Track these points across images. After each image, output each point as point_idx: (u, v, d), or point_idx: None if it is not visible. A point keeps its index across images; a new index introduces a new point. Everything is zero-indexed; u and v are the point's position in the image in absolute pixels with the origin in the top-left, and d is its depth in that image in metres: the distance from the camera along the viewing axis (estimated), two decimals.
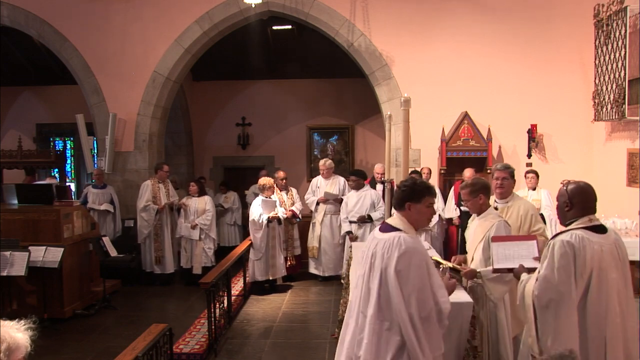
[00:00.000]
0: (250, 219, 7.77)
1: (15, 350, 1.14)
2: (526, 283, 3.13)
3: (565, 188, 3.15)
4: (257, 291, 7.90)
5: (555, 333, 2.90)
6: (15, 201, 7.32)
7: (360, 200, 8.05)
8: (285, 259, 8.21)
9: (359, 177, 8.20)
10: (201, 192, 8.50)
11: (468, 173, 7.61)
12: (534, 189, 7.64)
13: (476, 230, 4.00)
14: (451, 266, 3.89)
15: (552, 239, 3.08)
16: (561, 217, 3.18)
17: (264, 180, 7.87)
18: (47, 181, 9.71)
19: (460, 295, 3.58)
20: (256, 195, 8.30)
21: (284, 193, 8.40)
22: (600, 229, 3.00)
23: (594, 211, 3.06)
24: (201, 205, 8.37)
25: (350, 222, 8.03)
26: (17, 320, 1.22)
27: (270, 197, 7.78)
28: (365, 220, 7.98)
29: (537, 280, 3.00)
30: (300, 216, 8.50)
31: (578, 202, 3.03)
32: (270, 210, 7.69)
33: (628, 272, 3.01)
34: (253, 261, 7.77)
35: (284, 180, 8.47)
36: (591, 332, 2.87)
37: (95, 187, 8.87)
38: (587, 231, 2.94)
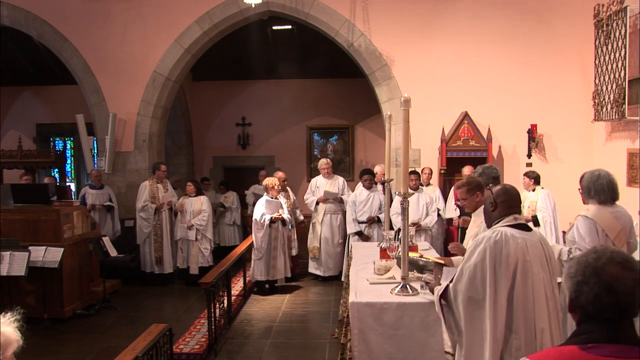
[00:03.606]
0: (253, 218, 7.77)
1: (8, 346, 1.13)
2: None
3: (490, 190, 3.19)
4: (258, 291, 7.91)
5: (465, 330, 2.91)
6: (11, 201, 7.31)
7: (370, 200, 8.09)
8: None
9: (372, 176, 8.23)
10: (198, 192, 8.51)
11: (467, 170, 7.62)
12: (533, 190, 7.63)
13: (471, 227, 4.05)
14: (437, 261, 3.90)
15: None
16: (487, 219, 3.19)
17: (269, 181, 7.86)
18: (46, 181, 9.70)
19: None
20: (256, 195, 8.28)
21: (281, 193, 8.39)
22: (525, 227, 3.02)
23: (518, 211, 3.10)
24: (197, 206, 8.38)
25: (359, 222, 8.05)
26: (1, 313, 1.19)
27: (276, 198, 7.77)
28: (374, 221, 8.00)
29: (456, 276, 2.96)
30: (293, 222, 8.42)
31: (502, 201, 3.07)
32: (274, 211, 7.68)
33: (555, 267, 3.04)
34: (254, 260, 7.77)
35: (284, 182, 8.45)
36: (521, 324, 2.81)
37: (92, 187, 8.87)
38: (512, 228, 2.94)
